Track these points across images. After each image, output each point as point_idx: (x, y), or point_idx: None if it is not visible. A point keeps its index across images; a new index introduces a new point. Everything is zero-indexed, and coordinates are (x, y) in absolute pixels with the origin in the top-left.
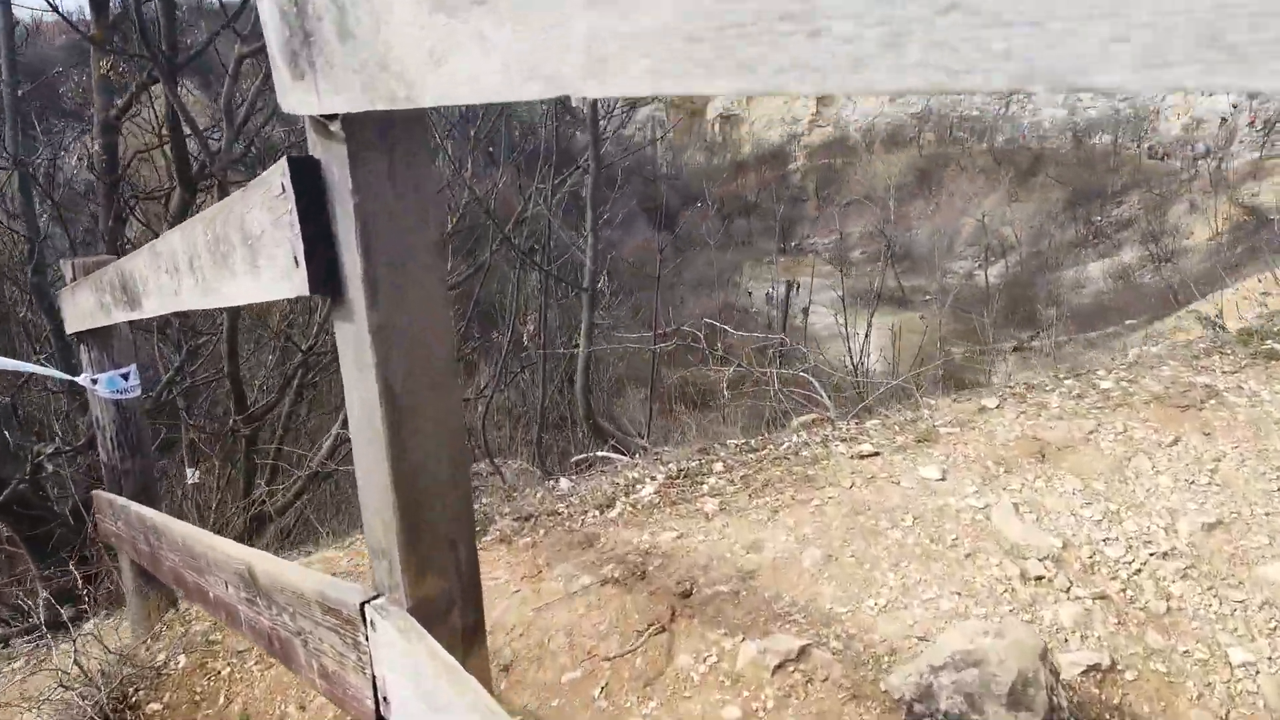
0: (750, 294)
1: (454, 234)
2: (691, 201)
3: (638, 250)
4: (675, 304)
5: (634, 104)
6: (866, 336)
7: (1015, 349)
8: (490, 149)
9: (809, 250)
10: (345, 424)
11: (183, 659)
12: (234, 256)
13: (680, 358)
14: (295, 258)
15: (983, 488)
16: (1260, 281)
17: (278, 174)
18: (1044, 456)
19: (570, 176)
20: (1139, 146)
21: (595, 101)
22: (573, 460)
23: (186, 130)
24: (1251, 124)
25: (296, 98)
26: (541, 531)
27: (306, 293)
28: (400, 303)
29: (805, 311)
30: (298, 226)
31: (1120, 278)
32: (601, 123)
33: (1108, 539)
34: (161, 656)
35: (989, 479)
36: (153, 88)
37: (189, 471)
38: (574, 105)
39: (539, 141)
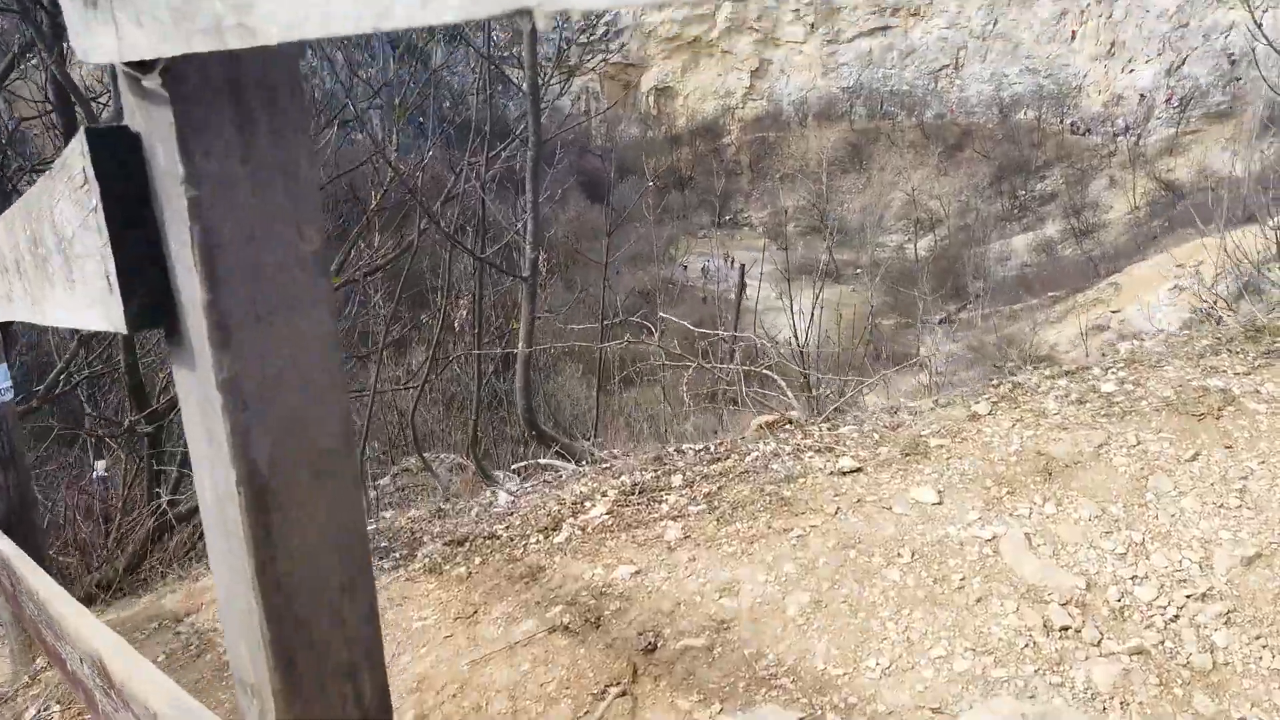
0: (685, 268)
1: (378, 211)
2: (627, 175)
3: (573, 224)
4: (610, 278)
5: (571, 72)
6: (813, 318)
7: (944, 321)
8: (420, 120)
9: (744, 224)
10: None
11: (56, 712)
12: (52, 263)
13: (624, 337)
14: (108, 278)
15: (986, 513)
16: (1173, 256)
17: (77, 154)
18: (1051, 475)
19: (506, 150)
20: (1062, 122)
21: (535, 66)
22: (512, 468)
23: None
24: (1169, 101)
25: (91, 39)
26: (478, 559)
27: (124, 329)
28: (265, 347)
29: (743, 286)
30: (106, 233)
31: (1043, 250)
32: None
33: (1136, 577)
34: (31, 712)
35: (992, 503)
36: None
37: (97, 464)
38: (542, 29)
39: (470, 111)
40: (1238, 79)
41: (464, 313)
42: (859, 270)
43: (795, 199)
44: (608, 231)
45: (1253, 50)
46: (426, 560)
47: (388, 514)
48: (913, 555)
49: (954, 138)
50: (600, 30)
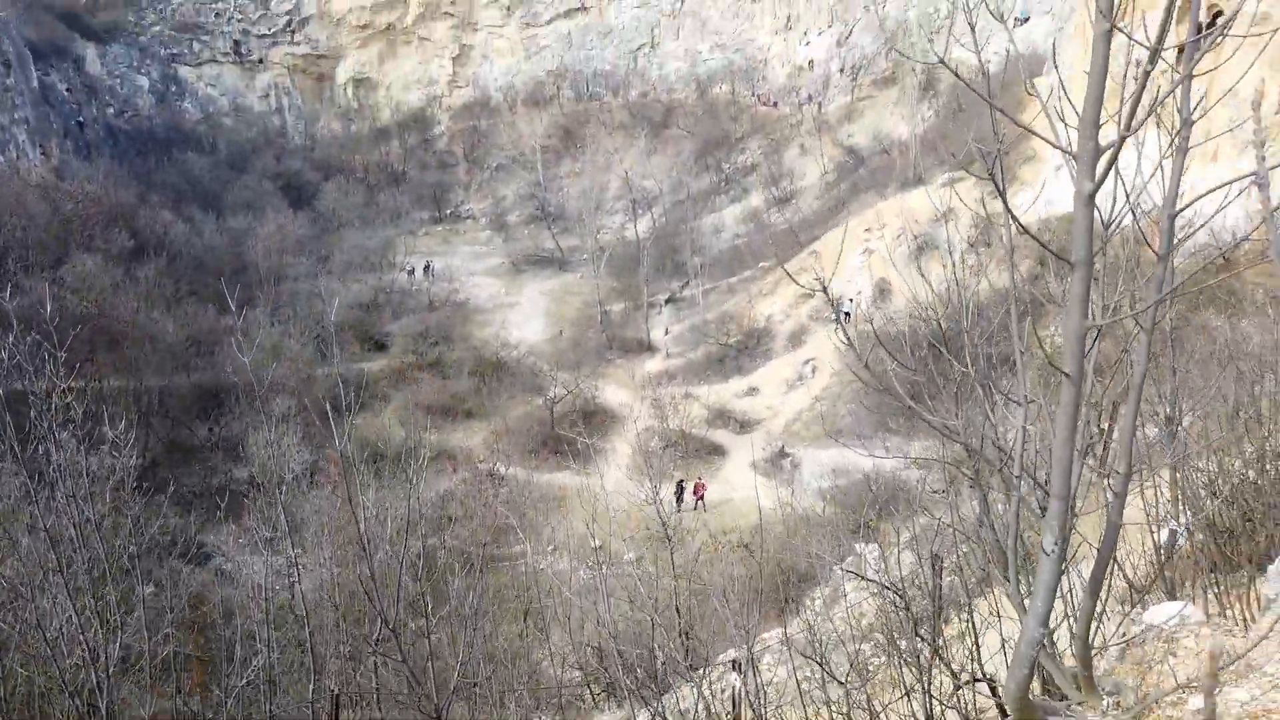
0: (410, 271)
1: None
2: (332, 174)
3: (274, 239)
4: (320, 295)
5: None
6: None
7: (669, 300)
8: (78, 121)
9: (465, 217)
10: None
11: None
12: None
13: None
14: None
15: None
16: (861, 221)
17: None
18: None
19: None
20: (754, 95)
21: None
22: None
23: None
24: (842, 71)
25: None
26: None
27: None
28: None
29: None
30: None
31: (751, 220)
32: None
33: None
34: None
35: None
36: None
37: None
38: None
39: (148, 117)
40: (895, 48)
41: None
42: (585, 256)
43: (514, 188)
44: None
45: (908, 19)
46: None
47: None
48: None
49: (659, 116)
50: (283, 20)
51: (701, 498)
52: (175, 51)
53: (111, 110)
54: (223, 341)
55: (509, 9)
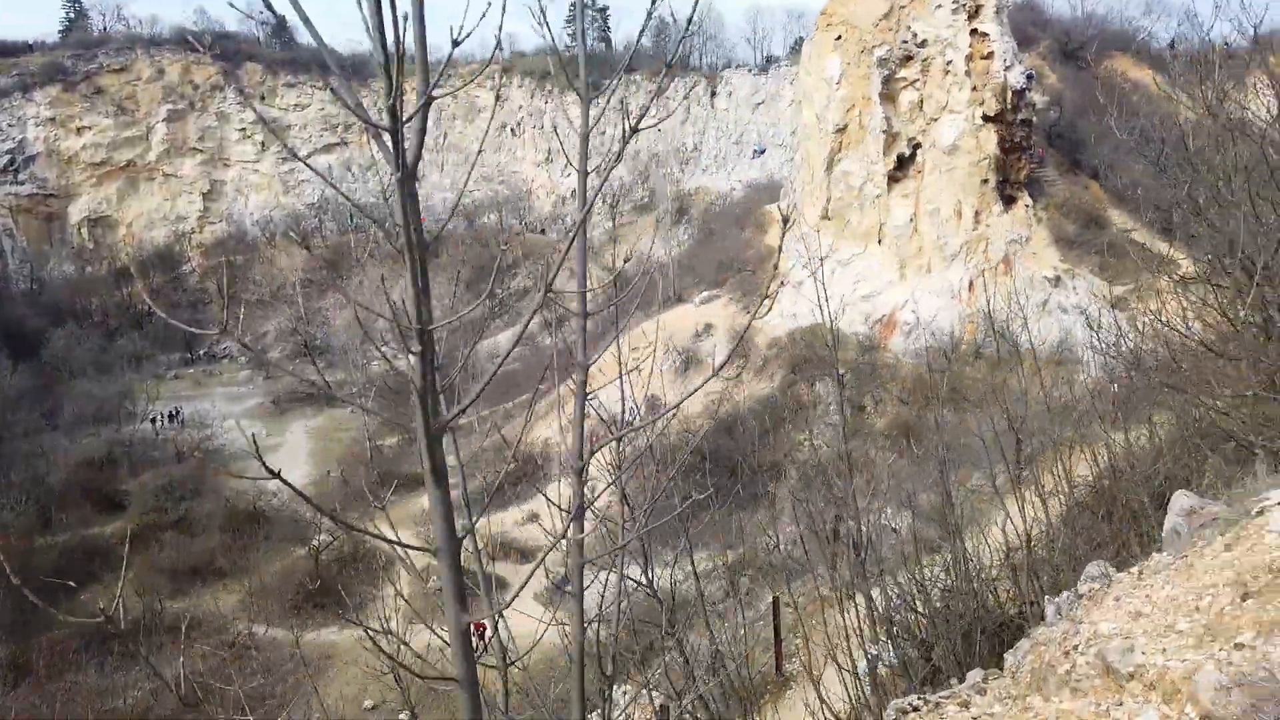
0: (155, 420)
1: None
2: (61, 320)
3: None
4: (43, 454)
5: None
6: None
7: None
8: None
9: (222, 357)
10: None
11: None
12: None
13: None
14: None
15: None
16: (634, 338)
17: None
18: None
19: None
20: (521, 223)
21: None
22: None
23: None
24: (603, 200)
25: None
26: None
27: None
28: None
29: None
30: None
31: (527, 344)
32: None
33: None
34: None
35: None
36: None
37: None
38: None
39: None
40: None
41: None
42: (354, 390)
43: (275, 323)
44: None
45: (659, 151)
46: None
47: None
48: None
49: (428, 245)
50: (3, 159)
51: (482, 636)
52: None
53: None
54: None
55: (264, 145)
